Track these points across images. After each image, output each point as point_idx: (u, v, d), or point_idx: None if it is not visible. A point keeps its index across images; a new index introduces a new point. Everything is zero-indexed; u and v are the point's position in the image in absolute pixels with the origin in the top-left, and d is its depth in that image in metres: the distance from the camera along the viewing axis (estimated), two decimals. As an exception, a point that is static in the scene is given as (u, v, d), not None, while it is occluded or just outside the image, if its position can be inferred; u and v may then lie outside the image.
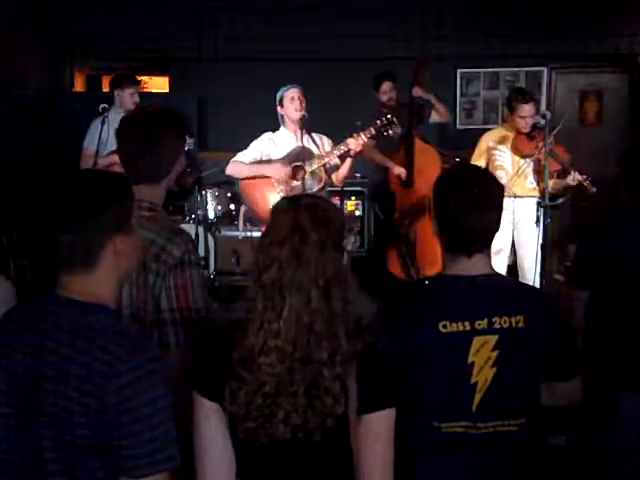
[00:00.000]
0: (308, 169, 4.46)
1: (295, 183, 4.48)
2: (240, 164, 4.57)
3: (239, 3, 6.96)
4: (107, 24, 6.95)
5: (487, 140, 5.06)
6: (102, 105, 5.23)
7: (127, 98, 5.29)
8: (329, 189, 4.76)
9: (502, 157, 4.96)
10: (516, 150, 4.90)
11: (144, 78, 8.41)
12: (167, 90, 7.80)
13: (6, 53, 6.41)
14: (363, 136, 4.40)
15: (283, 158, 4.53)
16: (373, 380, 1.55)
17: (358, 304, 1.59)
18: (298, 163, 4.49)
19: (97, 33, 6.99)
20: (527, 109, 4.77)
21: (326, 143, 4.59)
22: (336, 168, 4.56)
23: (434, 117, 5.35)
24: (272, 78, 6.90)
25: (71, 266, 1.52)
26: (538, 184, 4.87)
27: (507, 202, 4.94)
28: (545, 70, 7.37)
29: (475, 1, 6.99)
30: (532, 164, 4.82)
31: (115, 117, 5.07)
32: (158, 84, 8.45)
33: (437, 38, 6.74)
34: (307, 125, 4.50)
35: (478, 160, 5.00)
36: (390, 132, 4.56)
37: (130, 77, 5.52)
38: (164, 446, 1.43)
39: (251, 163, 4.56)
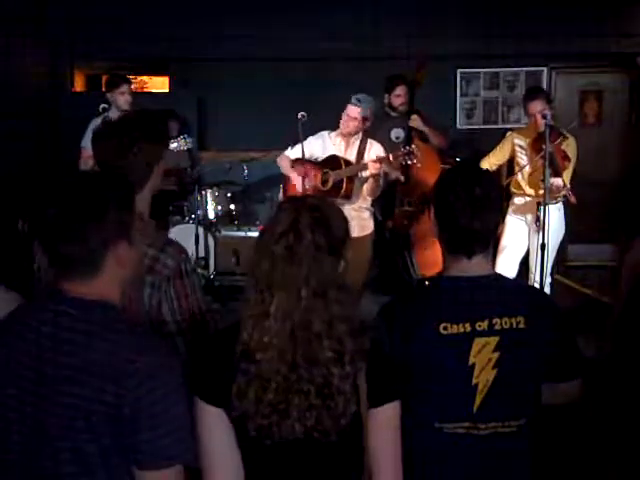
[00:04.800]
0: (333, 177, 4.49)
1: (323, 188, 4.54)
2: (286, 158, 4.75)
3: (239, 3, 6.95)
4: (107, 24, 6.94)
5: (514, 136, 5.02)
6: (102, 105, 5.24)
7: (119, 99, 5.29)
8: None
9: (523, 157, 4.91)
10: (530, 150, 4.83)
11: (144, 78, 8.40)
12: (167, 90, 7.79)
13: (6, 52, 6.41)
14: (381, 162, 4.42)
15: (317, 163, 4.61)
16: (382, 375, 1.57)
17: (359, 307, 1.59)
18: (326, 170, 4.52)
19: (97, 33, 6.98)
20: (532, 106, 4.71)
21: (373, 152, 4.60)
22: (366, 181, 4.57)
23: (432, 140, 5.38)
24: (272, 78, 6.96)
25: (73, 272, 1.51)
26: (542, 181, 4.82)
27: (522, 201, 4.93)
28: (545, 70, 7.36)
29: (475, 1, 6.98)
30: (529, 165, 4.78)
31: (115, 117, 5.08)
32: (158, 84, 8.43)
33: (437, 38, 6.72)
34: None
35: (497, 154, 5.01)
36: (408, 162, 4.51)
37: (119, 77, 5.50)
38: (172, 443, 1.43)
39: (296, 159, 4.67)
